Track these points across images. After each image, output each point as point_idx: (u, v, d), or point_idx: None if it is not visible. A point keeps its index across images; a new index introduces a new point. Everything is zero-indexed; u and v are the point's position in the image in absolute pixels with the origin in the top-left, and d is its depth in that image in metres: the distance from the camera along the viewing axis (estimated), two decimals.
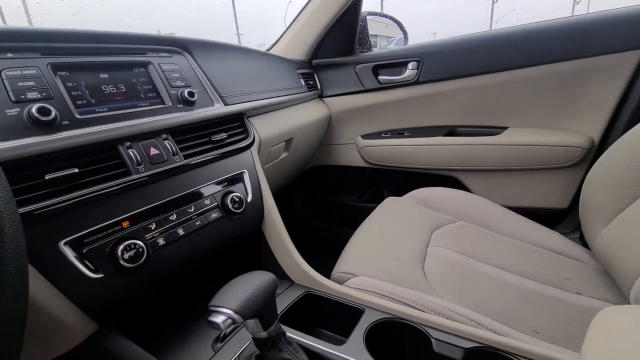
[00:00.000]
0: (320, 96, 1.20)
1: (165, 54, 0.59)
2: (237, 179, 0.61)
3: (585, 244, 0.72)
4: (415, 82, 1.07)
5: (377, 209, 0.92)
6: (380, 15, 1.27)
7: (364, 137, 1.20)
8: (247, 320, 0.39)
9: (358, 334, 0.47)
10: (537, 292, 0.61)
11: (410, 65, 1.07)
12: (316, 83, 1.17)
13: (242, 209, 0.57)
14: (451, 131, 1.09)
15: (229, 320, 0.36)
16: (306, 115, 1.03)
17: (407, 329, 0.49)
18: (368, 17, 1.21)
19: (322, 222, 1.39)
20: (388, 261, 0.67)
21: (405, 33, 1.34)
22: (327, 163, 1.32)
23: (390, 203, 0.94)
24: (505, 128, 1.02)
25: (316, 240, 1.39)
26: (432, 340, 0.46)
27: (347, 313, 0.53)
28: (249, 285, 0.39)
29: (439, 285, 0.62)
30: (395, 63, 1.09)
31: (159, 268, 0.47)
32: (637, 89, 0.85)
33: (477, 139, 1.04)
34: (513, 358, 0.43)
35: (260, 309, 0.38)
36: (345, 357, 0.44)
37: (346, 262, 0.68)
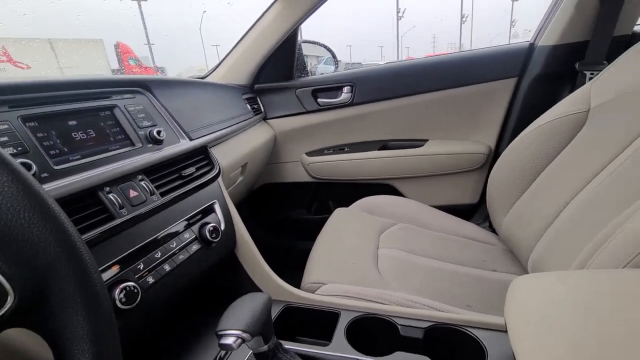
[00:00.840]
0: (265, 118, 1.27)
1: (128, 95, 0.60)
2: (210, 209, 0.65)
3: (493, 230, 0.93)
4: (350, 104, 1.21)
5: (329, 220, 1.02)
6: (313, 43, 1.39)
7: (308, 154, 1.30)
8: (247, 340, 0.44)
9: (340, 333, 0.56)
10: (464, 274, 0.77)
11: (345, 89, 1.21)
12: (260, 106, 1.23)
13: (219, 238, 0.61)
14: (384, 145, 1.25)
15: (239, 340, 0.41)
16: (256, 138, 1.09)
17: (376, 321, 0.59)
18: (303, 44, 1.32)
19: (273, 238, 1.44)
20: (349, 266, 0.77)
21: (335, 57, 1.49)
22: (274, 181, 1.38)
23: (339, 213, 1.05)
24: (426, 140, 1.22)
25: (273, 256, 1.44)
26: (398, 326, 0.57)
27: (325, 318, 0.61)
28: (249, 306, 0.45)
29: (392, 280, 0.74)
30: (332, 87, 1.22)
31: (151, 306, 0.49)
32: (516, 107, 1.11)
33: (405, 150, 1.22)
34: (458, 328, 0.55)
35: (262, 326, 0.44)
36: (334, 354, 0.51)
37: (312, 272, 0.76)
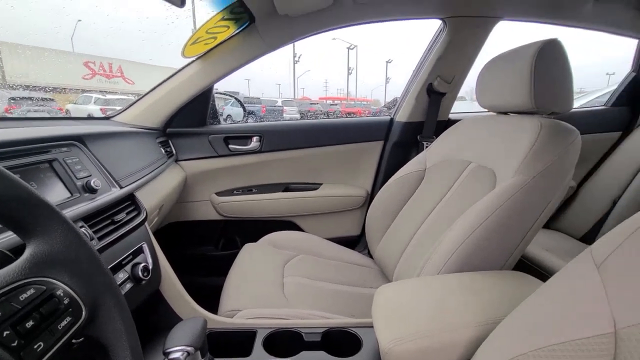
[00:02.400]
0: (176, 160, 1.34)
1: (65, 149, 0.65)
2: (139, 250, 0.72)
3: (371, 256, 1.22)
4: (259, 151, 1.40)
5: (240, 254, 1.15)
6: (225, 94, 1.56)
7: (218, 194, 1.42)
8: (192, 354, 0.55)
9: (258, 346, 0.70)
10: (349, 291, 1.01)
11: (254, 139, 1.40)
12: (172, 149, 1.31)
13: (149, 276, 0.69)
14: (287, 187, 1.47)
15: (186, 353, 0.52)
16: (170, 181, 1.16)
17: (286, 332, 0.76)
18: (216, 95, 1.47)
19: (181, 276, 1.45)
20: (260, 293, 0.92)
21: (244, 107, 1.68)
22: (182, 219, 1.43)
23: (249, 248, 1.19)
24: (321, 184, 1.49)
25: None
26: (302, 334, 0.74)
27: (244, 337, 0.74)
28: (190, 326, 0.56)
29: (296, 301, 0.92)
30: (243, 136, 1.39)
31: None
32: (383, 162, 1.49)
33: (304, 192, 1.46)
34: (344, 329, 0.77)
35: (201, 342, 0.56)
36: None
37: (228, 301, 0.88)
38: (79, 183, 0.63)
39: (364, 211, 1.50)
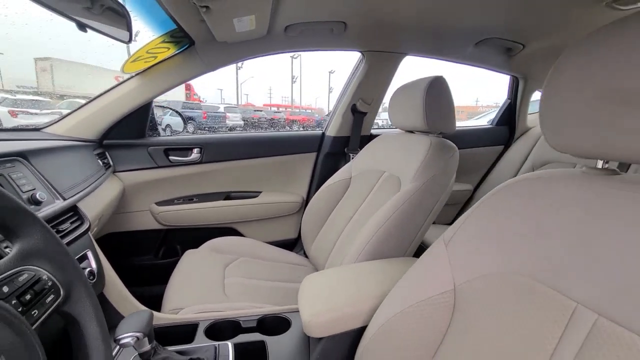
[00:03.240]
0: (114, 171, 1.36)
1: (9, 164, 0.70)
2: (84, 257, 0.78)
3: (307, 256, 1.37)
4: (200, 162, 1.48)
5: (181, 260, 1.22)
6: (165, 107, 1.61)
7: (158, 203, 1.46)
8: (140, 339, 0.64)
9: (200, 333, 0.80)
10: (284, 287, 1.14)
11: (195, 150, 1.47)
12: (109, 160, 1.33)
13: (94, 280, 0.76)
14: (227, 196, 1.57)
15: (135, 337, 0.61)
16: (109, 192, 1.19)
17: (225, 323, 0.87)
18: (155, 106, 1.52)
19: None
20: (201, 293, 1.02)
21: (183, 117, 1.74)
22: (120, 230, 1.44)
23: (190, 254, 1.27)
24: (260, 192, 1.62)
25: None
26: (240, 321, 0.86)
27: (188, 329, 0.84)
28: (137, 317, 0.65)
29: (235, 298, 1.03)
30: (183, 148, 1.46)
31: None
32: (317, 171, 1.66)
33: (244, 200, 1.57)
34: (276, 315, 0.90)
35: (148, 330, 0.65)
36: (197, 345, 0.76)
37: (171, 300, 0.96)
38: (24, 196, 0.68)
39: (300, 216, 1.65)
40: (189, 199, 1.50)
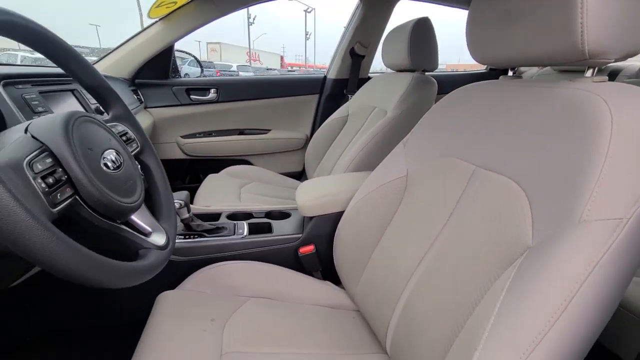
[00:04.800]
0: (145, 107, 1.60)
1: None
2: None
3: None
4: (216, 101, 1.70)
5: (204, 182, 1.48)
6: (184, 52, 1.80)
7: (183, 137, 1.71)
8: (182, 207, 0.89)
9: (223, 217, 1.07)
10: (289, 201, 1.39)
11: (212, 91, 1.69)
12: (141, 97, 1.56)
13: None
14: (241, 132, 1.80)
15: (179, 203, 0.87)
16: (143, 123, 1.44)
17: (243, 213, 1.12)
18: (175, 53, 1.71)
19: None
20: (222, 199, 1.27)
21: (202, 66, 1.94)
22: None
23: (211, 177, 1.53)
24: (270, 130, 1.84)
25: None
26: (253, 212, 1.12)
27: (214, 216, 1.10)
28: (178, 194, 0.90)
29: (249, 204, 1.28)
30: (202, 88, 1.68)
31: None
32: (319, 110, 1.86)
33: (256, 136, 1.80)
34: (283, 210, 1.15)
35: (186, 201, 0.91)
36: (221, 222, 1.02)
37: (199, 203, 1.22)
38: (92, 107, 0.92)
39: (304, 151, 1.88)
40: (208, 134, 1.75)
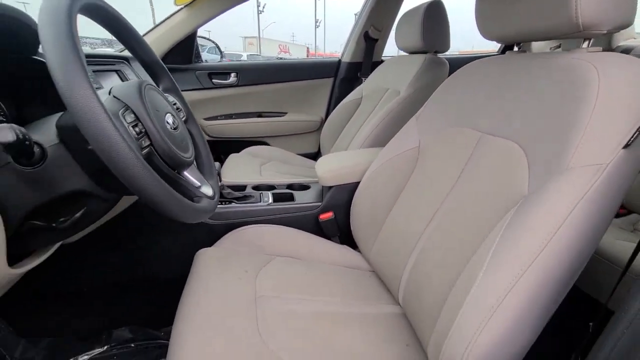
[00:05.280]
0: None
1: (123, 65, 1.03)
2: None
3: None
4: (237, 85, 1.79)
5: (226, 161, 1.58)
6: (203, 38, 1.89)
7: (206, 119, 1.81)
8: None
9: (248, 188, 1.17)
10: (308, 179, 1.48)
11: (232, 75, 1.78)
12: None
13: None
14: (259, 114, 1.89)
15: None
16: None
17: (266, 185, 1.22)
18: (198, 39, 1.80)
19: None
20: (245, 174, 1.37)
21: (222, 53, 2.02)
22: None
23: (233, 156, 1.63)
24: (286, 113, 1.93)
25: None
26: (275, 185, 1.21)
27: (240, 186, 1.20)
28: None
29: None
30: (223, 72, 1.77)
31: None
32: (334, 93, 1.93)
33: (273, 118, 1.89)
34: (303, 183, 1.24)
35: (217, 171, 1.00)
36: (247, 192, 1.12)
37: (224, 178, 1.32)
38: None
39: (319, 133, 1.96)
40: (229, 116, 1.84)
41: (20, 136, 0.39)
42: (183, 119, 0.74)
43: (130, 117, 0.49)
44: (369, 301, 0.84)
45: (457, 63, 0.93)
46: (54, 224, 0.50)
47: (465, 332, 0.52)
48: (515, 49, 0.79)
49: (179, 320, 0.68)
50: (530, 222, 0.50)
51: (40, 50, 0.64)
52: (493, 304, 0.50)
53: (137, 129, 0.49)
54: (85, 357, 0.89)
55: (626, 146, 0.47)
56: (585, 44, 0.61)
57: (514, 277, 0.49)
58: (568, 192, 0.48)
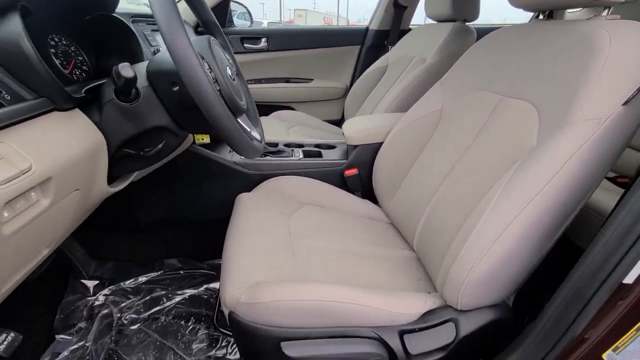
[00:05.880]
0: None
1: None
2: None
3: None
4: (267, 50, 1.86)
5: None
6: (238, 3, 1.94)
7: None
8: None
9: (280, 145, 1.28)
10: (332, 141, 1.57)
11: (262, 40, 1.84)
12: None
13: None
14: (287, 80, 1.97)
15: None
16: None
17: (295, 143, 1.32)
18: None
19: None
20: (272, 136, 1.48)
21: (250, 15, 2.08)
22: None
23: (262, 120, 1.72)
24: (312, 79, 1.99)
25: None
26: (304, 144, 1.31)
27: (270, 144, 1.32)
28: None
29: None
30: (254, 37, 1.84)
31: None
32: (360, 61, 1.97)
33: (300, 84, 1.96)
34: (329, 143, 1.34)
35: None
36: (279, 148, 1.23)
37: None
38: None
39: (344, 100, 2.03)
40: (258, 81, 1.93)
41: (135, 74, 0.50)
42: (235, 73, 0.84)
43: (205, 65, 0.59)
44: (387, 246, 0.96)
45: (485, 32, 0.97)
46: (141, 152, 0.62)
47: (467, 260, 0.63)
48: (541, 16, 0.83)
49: (227, 247, 0.82)
50: (531, 170, 0.59)
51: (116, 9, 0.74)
52: (492, 238, 0.60)
53: (212, 75, 0.59)
54: (144, 278, 1.06)
55: (625, 103, 0.54)
56: (605, 12, 0.66)
57: (511, 216, 0.59)
58: (567, 143, 0.56)
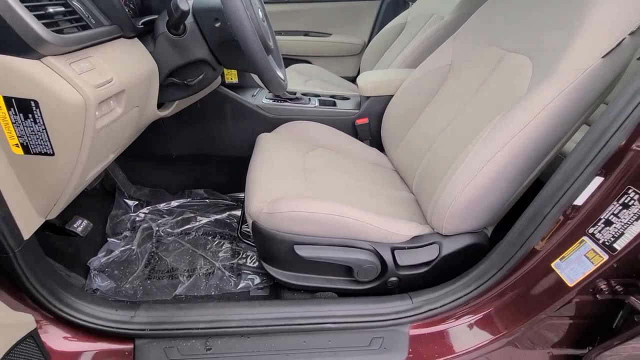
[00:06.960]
0: None
1: None
2: None
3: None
4: (287, 1, 1.89)
5: None
6: None
7: None
8: None
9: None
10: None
11: None
12: None
13: None
14: (306, 33, 2.01)
15: None
16: None
17: (312, 94, 1.41)
18: None
19: None
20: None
21: None
22: None
23: None
24: (331, 34, 2.02)
25: None
26: (320, 94, 1.41)
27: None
28: None
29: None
30: None
31: None
32: (379, 17, 1.98)
33: (318, 38, 2.00)
34: (344, 94, 1.43)
35: None
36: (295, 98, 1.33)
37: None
38: None
39: (360, 57, 2.07)
40: (278, 33, 1.97)
41: (189, 8, 0.60)
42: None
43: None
44: (390, 187, 1.08)
45: None
46: (185, 82, 0.74)
47: (451, 192, 0.75)
48: None
49: (251, 172, 0.95)
50: (514, 114, 0.69)
51: None
52: (473, 173, 0.71)
53: (248, 14, 0.69)
54: (176, 203, 1.22)
55: (605, 56, 0.62)
56: None
57: (491, 154, 0.70)
58: (548, 90, 0.65)
